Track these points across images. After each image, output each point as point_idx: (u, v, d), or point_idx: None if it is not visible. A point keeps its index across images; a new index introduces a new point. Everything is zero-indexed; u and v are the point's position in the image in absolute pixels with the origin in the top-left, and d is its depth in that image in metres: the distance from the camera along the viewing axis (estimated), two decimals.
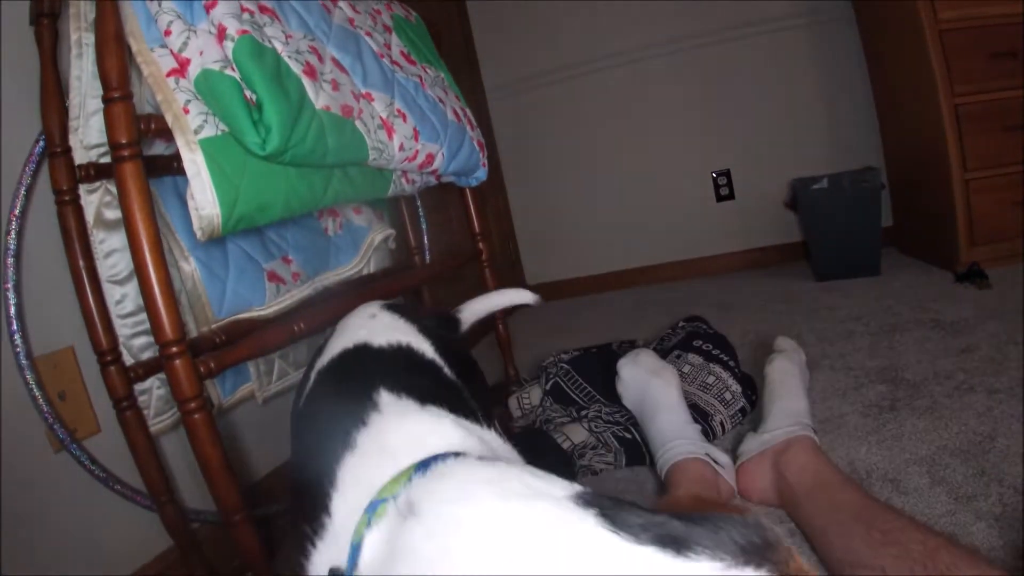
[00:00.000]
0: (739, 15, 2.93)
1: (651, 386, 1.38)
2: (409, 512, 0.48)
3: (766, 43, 2.93)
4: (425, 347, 0.91)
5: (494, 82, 3.36)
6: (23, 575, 1.06)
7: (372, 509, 0.52)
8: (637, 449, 1.41)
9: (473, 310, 1.36)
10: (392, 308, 1.01)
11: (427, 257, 2.04)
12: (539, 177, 3.41)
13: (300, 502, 0.68)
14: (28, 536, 1.09)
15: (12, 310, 1.08)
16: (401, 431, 0.66)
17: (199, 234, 0.99)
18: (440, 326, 1.08)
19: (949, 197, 2.19)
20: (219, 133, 1.00)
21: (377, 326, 0.94)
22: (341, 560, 0.54)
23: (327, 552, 0.59)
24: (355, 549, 0.51)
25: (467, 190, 1.84)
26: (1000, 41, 2.06)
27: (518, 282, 3.47)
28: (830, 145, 2.94)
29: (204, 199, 0.97)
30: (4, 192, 1.12)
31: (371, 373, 0.79)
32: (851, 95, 2.86)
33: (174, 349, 0.93)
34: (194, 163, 0.97)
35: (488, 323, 1.96)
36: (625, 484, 1.37)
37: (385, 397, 0.71)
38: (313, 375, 0.88)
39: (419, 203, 2.02)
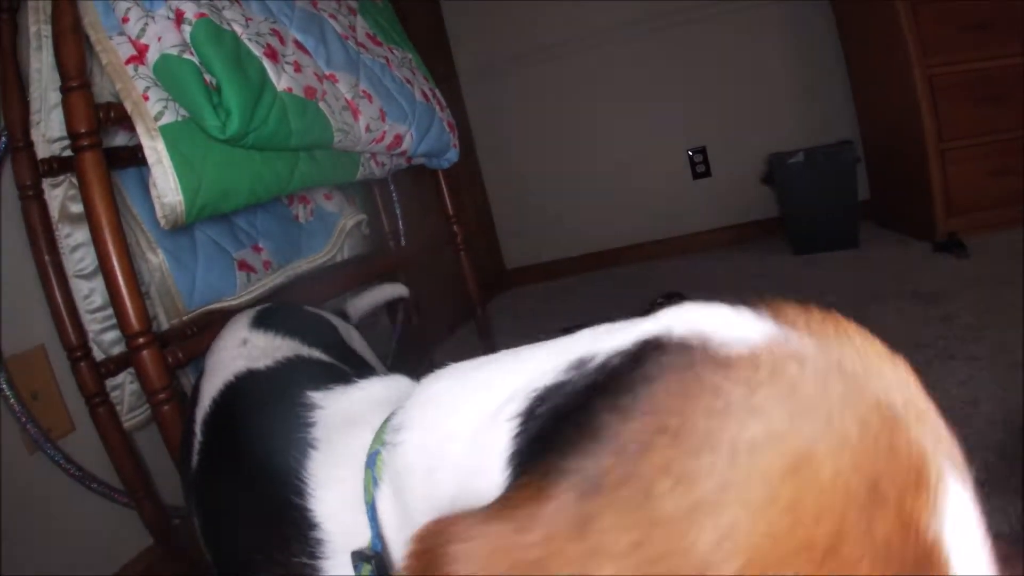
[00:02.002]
0: None
1: None
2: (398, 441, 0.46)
3: (740, 19, 2.92)
4: (316, 354, 0.81)
5: (466, 65, 3.33)
6: None
7: (371, 463, 0.49)
8: None
9: (358, 306, 1.33)
10: (265, 325, 0.86)
11: (402, 241, 2.03)
12: (515, 160, 3.39)
13: (258, 555, 0.58)
14: (7, 539, 1.08)
15: None
16: (356, 403, 0.60)
17: (162, 222, 0.98)
18: (325, 329, 0.98)
19: (925, 168, 2.20)
20: (179, 119, 0.98)
21: (253, 352, 0.80)
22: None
23: (338, 560, 0.52)
24: (371, 509, 0.48)
25: (440, 173, 1.84)
26: (972, 13, 2.06)
27: (496, 265, 3.46)
28: (806, 120, 2.93)
29: (166, 186, 0.95)
30: None
31: (280, 389, 0.69)
32: (825, 69, 2.85)
33: (141, 340, 0.92)
34: (155, 150, 0.95)
35: (468, 310, 1.96)
36: None
37: (315, 394, 0.63)
38: (199, 429, 0.74)
39: (392, 187, 2.00)
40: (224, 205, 1.05)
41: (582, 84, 3.18)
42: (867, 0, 2.36)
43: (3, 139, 1.12)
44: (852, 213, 2.49)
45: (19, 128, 1.11)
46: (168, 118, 0.97)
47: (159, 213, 0.97)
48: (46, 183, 1.14)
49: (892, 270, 2.11)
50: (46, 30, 1.08)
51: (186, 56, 0.98)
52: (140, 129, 0.96)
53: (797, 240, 2.64)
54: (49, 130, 1.13)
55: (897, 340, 1.11)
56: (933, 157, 2.17)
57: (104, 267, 0.91)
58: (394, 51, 1.52)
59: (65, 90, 0.92)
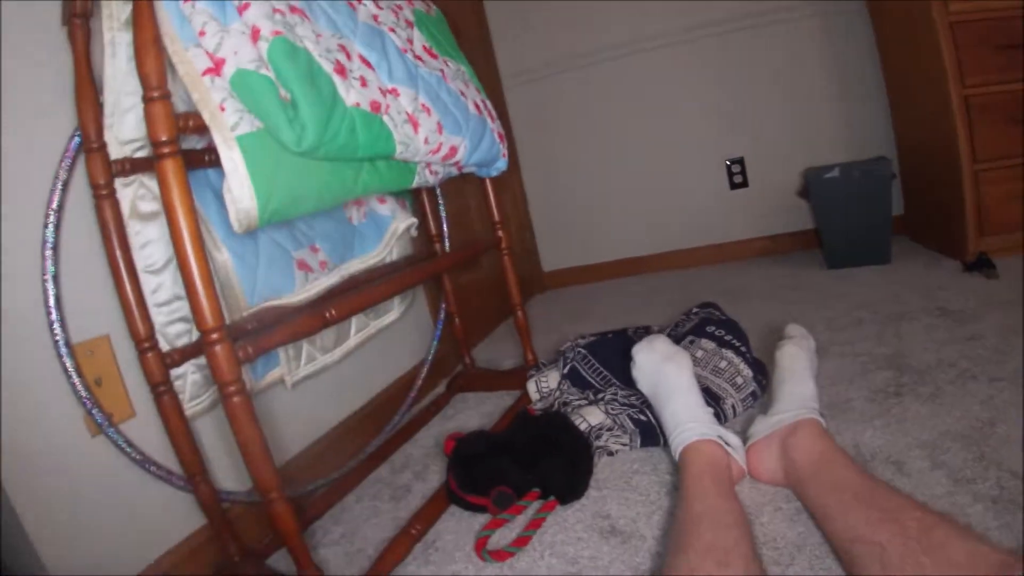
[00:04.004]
0: (753, 4, 2.94)
1: (665, 371, 1.42)
2: None
3: (781, 33, 2.94)
4: None
5: (510, 69, 3.38)
6: (62, 555, 1.12)
7: None
8: (652, 431, 1.46)
9: None
10: None
11: (447, 245, 2.09)
12: (555, 164, 3.44)
13: None
14: (67, 517, 1.15)
15: (51, 300, 1.13)
16: None
17: (236, 226, 1.03)
18: None
19: (959, 187, 2.21)
20: (254, 130, 1.04)
21: None
22: None
23: None
24: None
25: (487, 180, 1.88)
26: (1009, 33, 2.07)
27: (534, 268, 3.52)
28: (843, 135, 2.96)
29: (241, 193, 1.01)
30: (42, 187, 1.17)
31: None
32: (864, 86, 2.87)
33: (215, 336, 0.98)
34: (231, 159, 1.01)
35: (507, 309, 2.01)
36: (640, 464, 1.41)
37: None
38: None
39: (439, 192, 2.07)
40: (293, 211, 1.11)
41: (623, 91, 3.22)
42: (906, 19, 2.37)
43: (76, 139, 1.17)
44: (885, 229, 2.51)
45: (93, 130, 1.15)
46: (244, 128, 1.02)
47: (233, 217, 1.03)
48: (118, 182, 1.19)
49: (922, 287, 2.13)
50: (120, 37, 1.14)
51: (263, 71, 1.03)
52: (217, 138, 1.01)
53: (830, 254, 2.67)
54: (121, 132, 1.18)
55: (922, 358, 1.18)
56: (967, 177, 2.18)
57: (182, 267, 0.96)
58: (448, 63, 1.57)
59: (147, 100, 0.96)
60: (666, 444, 1.35)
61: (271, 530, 1.38)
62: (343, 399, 1.84)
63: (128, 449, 1.22)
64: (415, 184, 1.46)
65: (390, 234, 1.66)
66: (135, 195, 1.22)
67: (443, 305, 2.13)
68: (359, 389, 1.91)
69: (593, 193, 3.41)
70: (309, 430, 1.69)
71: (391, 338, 2.07)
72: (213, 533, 1.32)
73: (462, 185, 2.63)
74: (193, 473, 1.26)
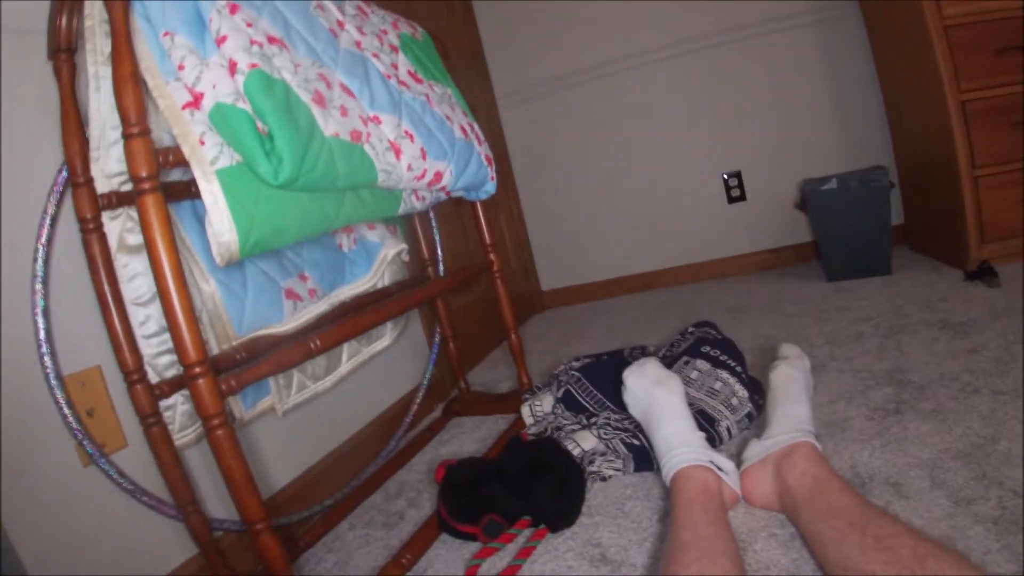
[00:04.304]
0: (746, 16, 2.94)
1: (656, 395, 1.41)
2: None
3: (773, 44, 2.94)
4: None
5: (505, 88, 3.39)
6: None
7: None
8: (645, 455, 1.44)
9: None
10: None
11: (440, 270, 2.08)
12: (552, 182, 3.44)
13: None
14: (60, 547, 1.14)
15: (42, 333, 1.13)
16: None
17: (218, 259, 1.03)
18: None
19: (958, 195, 2.20)
20: (234, 163, 1.04)
21: None
22: None
23: None
24: None
25: (477, 203, 1.88)
26: (1005, 36, 2.06)
27: (532, 287, 3.51)
28: (840, 145, 2.95)
29: (222, 226, 1.01)
30: (31, 221, 1.17)
31: None
32: (860, 94, 2.87)
33: (197, 370, 0.97)
34: (211, 193, 1.01)
35: (503, 331, 2.00)
36: (633, 490, 1.40)
37: None
38: None
39: (432, 216, 2.06)
40: (275, 242, 1.10)
41: (618, 108, 3.23)
42: (899, 25, 2.37)
43: (64, 173, 1.17)
44: (885, 241, 2.50)
45: (79, 164, 1.15)
46: (223, 162, 1.03)
47: (215, 251, 1.03)
48: (105, 216, 1.19)
49: (923, 298, 2.12)
50: (104, 71, 1.14)
51: (239, 105, 1.03)
52: (197, 172, 1.01)
53: (830, 266, 2.65)
54: (108, 166, 1.18)
55: (923, 373, 1.16)
56: (966, 183, 2.17)
57: (164, 302, 0.96)
58: (434, 87, 1.57)
59: (126, 136, 0.97)
60: (659, 468, 1.34)
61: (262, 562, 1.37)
62: (338, 426, 1.83)
63: (120, 479, 1.21)
64: (401, 211, 1.46)
65: (380, 260, 1.65)
66: (122, 228, 1.22)
67: (437, 329, 2.13)
68: (354, 415, 1.90)
69: (591, 210, 3.41)
70: (303, 458, 1.68)
71: (386, 363, 2.06)
72: (205, 562, 1.31)
73: (458, 207, 2.63)
74: (184, 503, 1.25)
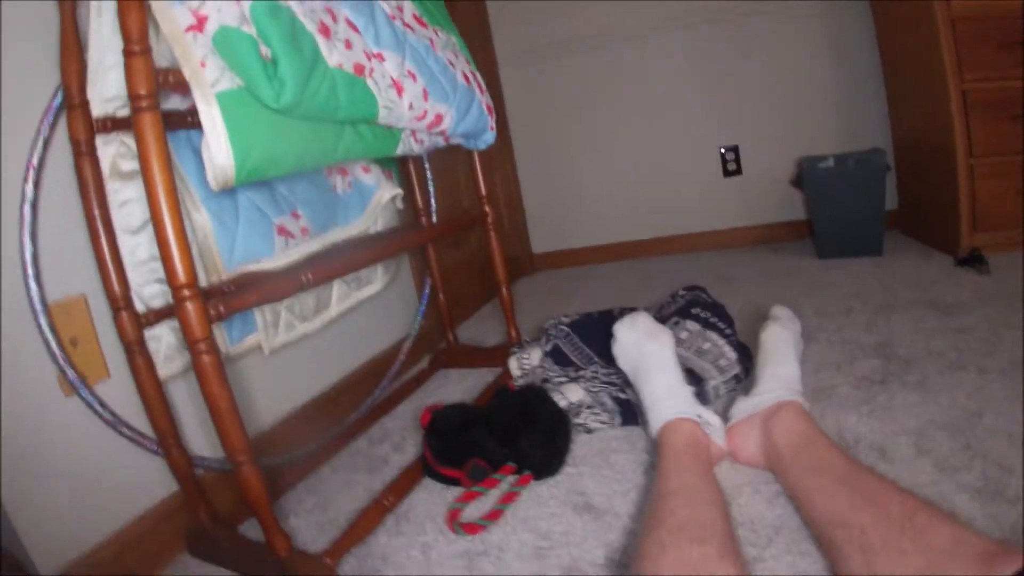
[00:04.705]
0: None
1: (646, 348, 1.40)
2: None
3: (779, 22, 2.92)
4: None
5: (507, 50, 3.35)
6: (31, 515, 1.11)
7: None
8: (632, 409, 1.44)
9: None
10: None
11: (434, 218, 2.07)
12: (548, 146, 3.42)
13: None
14: (38, 478, 1.13)
15: (28, 257, 1.11)
16: None
17: (213, 183, 1.01)
18: None
19: (953, 182, 2.20)
20: (235, 87, 1.01)
21: None
22: None
23: None
24: None
25: (475, 153, 1.86)
26: (1010, 32, 2.06)
27: (523, 249, 3.50)
28: (839, 125, 2.94)
29: (219, 149, 0.99)
30: (23, 142, 1.15)
31: None
32: (862, 76, 2.85)
33: (186, 292, 0.96)
34: (210, 115, 0.98)
35: (493, 289, 1.99)
36: (618, 442, 1.40)
37: None
38: None
39: (427, 165, 2.04)
40: (272, 170, 1.08)
41: (619, 76, 3.20)
42: (906, 13, 2.36)
43: (59, 97, 1.15)
44: (878, 221, 2.50)
45: (76, 86, 1.13)
46: (224, 85, 1.00)
47: (210, 174, 1.01)
48: (99, 140, 1.17)
49: (913, 280, 2.12)
50: None
51: (244, 29, 1.01)
52: (197, 94, 0.99)
53: (822, 244, 2.65)
54: (104, 90, 1.15)
55: (910, 348, 1.17)
56: (962, 172, 2.17)
57: (156, 222, 0.94)
58: (439, 33, 1.54)
59: (127, 53, 0.94)
60: (647, 422, 1.33)
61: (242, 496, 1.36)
62: (323, 371, 1.82)
63: (100, 410, 1.20)
64: (399, 152, 1.44)
65: (374, 204, 1.63)
66: (116, 154, 1.20)
67: (428, 280, 2.11)
68: (340, 362, 1.89)
69: (586, 176, 3.39)
70: (287, 401, 1.67)
71: (375, 312, 2.06)
72: (185, 499, 1.30)
73: (452, 162, 2.60)
74: (165, 437, 1.24)
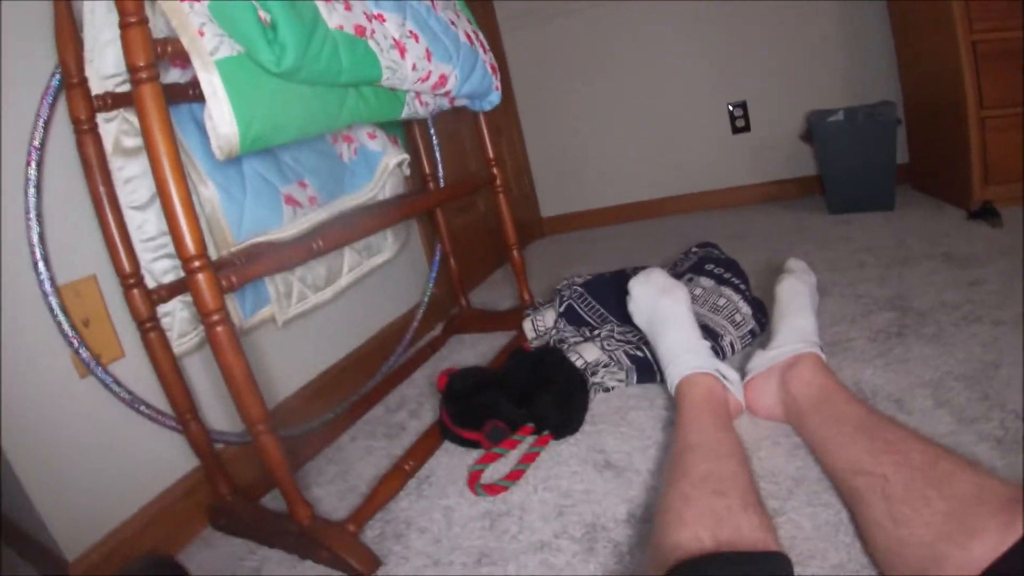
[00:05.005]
0: None
1: (661, 304, 1.39)
2: None
3: None
4: None
5: (508, 11, 3.30)
6: (53, 497, 1.12)
7: None
8: (648, 366, 1.44)
9: None
10: None
11: (441, 183, 2.05)
12: (554, 108, 3.38)
13: None
14: (58, 460, 1.14)
15: (35, 240, 1.11)
16: None
17: (217, 153, 1.00)
18: None
19: (964, 135, 2.17)
20: (234, 54, 1.00)
21: None
22: None
23: None
24: None
25: (481, 116, 1.84)
26: None
27: (532, 213, 3.48)
28: (847, 79, 2.89)
29: (222, 118, 0.98)
30: (23, 124, 1.14)
31: None
32: (870, 28, 2.80)
33: (197, 263, 0.96)
34: (211, 83, 0.97)
35: (503, 254, 1.98)
36: (636, 400, 1.40)
37: None
38: None
39: (432, 130, 2.02)
40: (276, 137, 1.07)
41: (623, 34, 3.15)
42: None
43: (57, 76, 1.14)
44: (889, 175, 2.47)
45: (74, 65, 1.12)
46: (223, 53, 0.99)
47: (214, 143, 0.99)
48: (100, 118, 1.15)
49: (925, 233, 2.10)
50: None
51: None
52: (196, 63, 0.98)
53: (833, 199, 2.63)
54: (102, 67, 1.14)
55: (924, 300, 1.16)
56: (973, 124, 2.13)
57: (162, 194, 0.93)
58: None
59: (123, 26, 0.93)
60: (663, 380, 1.33)
61: (262, 468, 1.36)
62: (337, 341, 1.82)
63: (116, 389, 1.20)
64: (404, 115, 1.42)
65: (381, 170, 1.62)
66: (118, 130, 1.19)
67: (438, 246, 2.11)
68: (353, 331, 1.89)
69: (593, 138, 3.35)
70: (302, 373, 1.67)
71: (386, 280, 2.05)
72: (205, 474, 1.30)
73: (457, 127, 2.58)
74: (183, 412, 1.24)
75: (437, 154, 2.03)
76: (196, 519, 1.32)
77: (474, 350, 1.94)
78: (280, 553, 1.17)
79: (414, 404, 1.65)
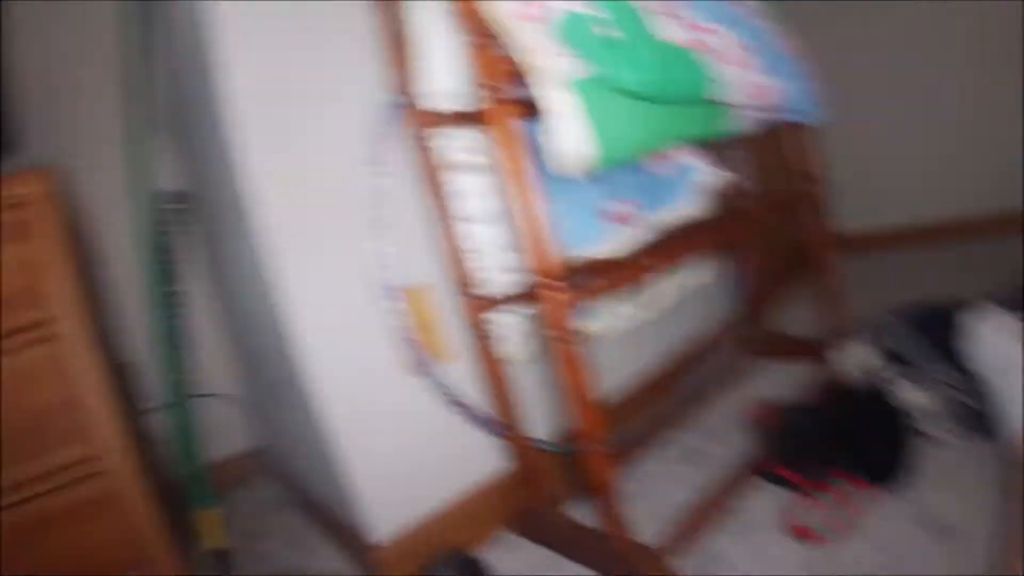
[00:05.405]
0: None
1: (1011, 351, 1.23)
2: None
3: None
4: None
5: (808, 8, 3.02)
6: (374, 483, 1.23)
7: None
8: (981, 420, 1.28)
9: None
10: None
11: (753, 201, 1.96)
12: (855, 113, 3.02)
13: None
14: (377, 454, 1.25)
15: (382, 250, 1.22)
16: None
17: (572, 170, 1.00)
18: None
19: None
20: (585, 75, 1.00)
21: None
22: None
23: None
24: None
25: (801, 129, 1.72)
26: None
27: (834, 230, 3.19)
28: None
29: (571, 138, 0.98)
30: (360, 143, 1.26)
31: None
32: None
33: (549, 282, 0.98)
34: (566, 103, 0.97)
35: (803, 272, 1.85)
36: (964, 455, 1.27)
37: None
38: None
39: (742, 144, 1.93)
40: (624, 155, 1.06)
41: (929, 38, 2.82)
42: None
43: (401, 99, 1.23)
44: None
45: (406, 86, 1.22)
46: (575, 74, 0.99)
47: (568, 162, 0.99)
48: (433, 134, 1.23)
49: None
50: None
51: (589, 13, 1.00)
52: (546, 84, 0.99)
53: None
54: (435, 86, 1.22)
55: None
56: None
57: (515, 212, 0.98)
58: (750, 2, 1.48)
59: (476, 46, 0.99)
60: (994, 435, 1.19)
61: (573, 479, 1.37)
62: (637, 359, 1.80)
63: (447, 390, 1.30)
64: (730, 129, 1.38)
65: (696, 185, 1.58)
66: (450, 146, 1.26)
67: (741, 266, 2.03)
68: (653, 349, 1.86)
69: (900, 146, 2.98)
70: (602, 388, 1.67)
71: (685, 299, 2.00)
72: (523, 480, 1.35)
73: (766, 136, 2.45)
74: (508, 419, 1.30)
75: (749, 169, 1.95)
76: (494, 520, 1.38)
77: (782, 379, 1.82)
78: (579, 568, 1.19)
79: (716, 430, 1.61)
